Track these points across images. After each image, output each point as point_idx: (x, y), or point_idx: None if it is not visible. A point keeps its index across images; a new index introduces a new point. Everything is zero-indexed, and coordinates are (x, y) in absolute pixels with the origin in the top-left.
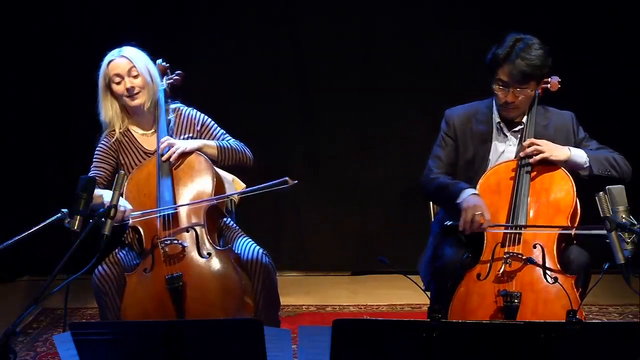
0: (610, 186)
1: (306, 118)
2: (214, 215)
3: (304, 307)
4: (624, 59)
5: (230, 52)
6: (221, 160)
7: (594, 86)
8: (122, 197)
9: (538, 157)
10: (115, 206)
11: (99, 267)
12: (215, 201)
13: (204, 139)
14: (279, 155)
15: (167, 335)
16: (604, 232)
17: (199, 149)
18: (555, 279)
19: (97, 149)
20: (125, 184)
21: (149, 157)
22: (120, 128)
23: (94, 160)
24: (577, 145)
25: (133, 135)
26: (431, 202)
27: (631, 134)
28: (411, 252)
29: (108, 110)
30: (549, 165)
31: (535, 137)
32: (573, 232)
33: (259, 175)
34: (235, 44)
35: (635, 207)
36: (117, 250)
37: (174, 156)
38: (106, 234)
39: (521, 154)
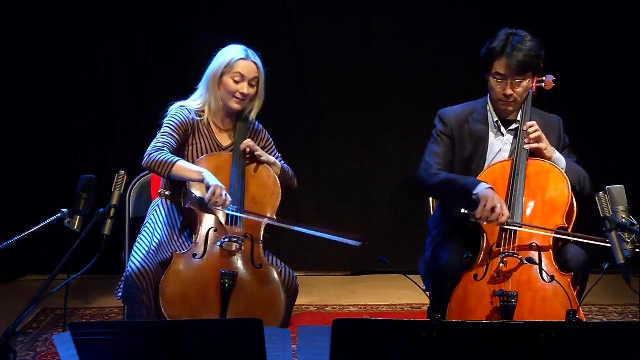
0: (610, 186)
1: (306, 118)
2: (269, 231)
3: (304, 307)
4: (622, 59)
5: None
6: (280, 181)
7: (590, 86)
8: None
9: (535, 146)
10: (116, 206)
11: (135, 262)
12: (287, 226)
13: None
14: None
15: (168, 335)
16: (603, 244)
17: (269, 164)
18: (552, 278)
19: (174, 117)
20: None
21: (222, 150)
22: (208, 116)
23: (166, 126)
24: (562, 150)
25: (211, 126)
26: (431, 202)
27: (627, 133)
28: (411, 252)
29: (212, 96)
30: (542, 163)
31: None
32: (572, 239)
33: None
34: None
35: (635, 207)
36: (149, 243)
37: (252, 149)
38: (106, 234)
39: (525, 139)
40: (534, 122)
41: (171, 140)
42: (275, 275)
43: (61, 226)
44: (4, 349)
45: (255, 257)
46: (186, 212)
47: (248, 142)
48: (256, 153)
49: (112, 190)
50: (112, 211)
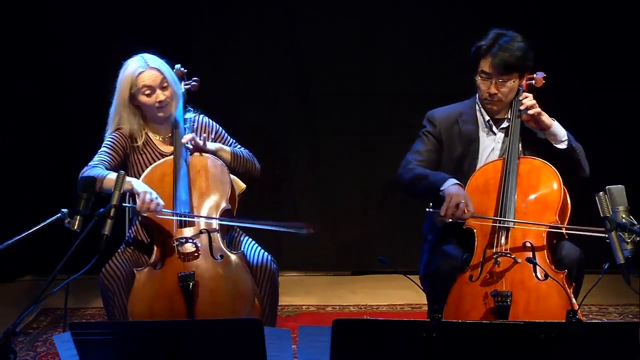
0: (610, 186)
1: (306, 118)
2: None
3: (304, 307)
4: (623, 58)
5: (230, 53)
6: (234, 166)
7: (591, 85)
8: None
9: (532, 112)
10: (116, 206)
11: (107, 265)
12: (233, 223)
13: None
14: (280, 156)
15: (167, 335)
16: (598, 234)
17: (216, 152)
18: (546, 276)
19: (110, 137)
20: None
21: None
22: (141, 138)
23: (103, 146)
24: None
25: (150, 139)
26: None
27: (627, 133)
28: (411, 252)
29: (128, 121)
30: (533, 161)
31: (521, 132)
32: (565, 231)
33: (260, 175)
34: (235, 45)
35: (635, 207)
36: (123, 247)
37: (195, 142)
38: (106, 234)
39: (521, 107)
40: (529, 95)
41: (107, 158)
42: (237, 262)
43: (61, 226)
44: (4, 349)
45: (214, 249)
46: (143, 226)
47: (188, 136)
48: (198, 142)
49: (112, 190)
50: (112, 211)
